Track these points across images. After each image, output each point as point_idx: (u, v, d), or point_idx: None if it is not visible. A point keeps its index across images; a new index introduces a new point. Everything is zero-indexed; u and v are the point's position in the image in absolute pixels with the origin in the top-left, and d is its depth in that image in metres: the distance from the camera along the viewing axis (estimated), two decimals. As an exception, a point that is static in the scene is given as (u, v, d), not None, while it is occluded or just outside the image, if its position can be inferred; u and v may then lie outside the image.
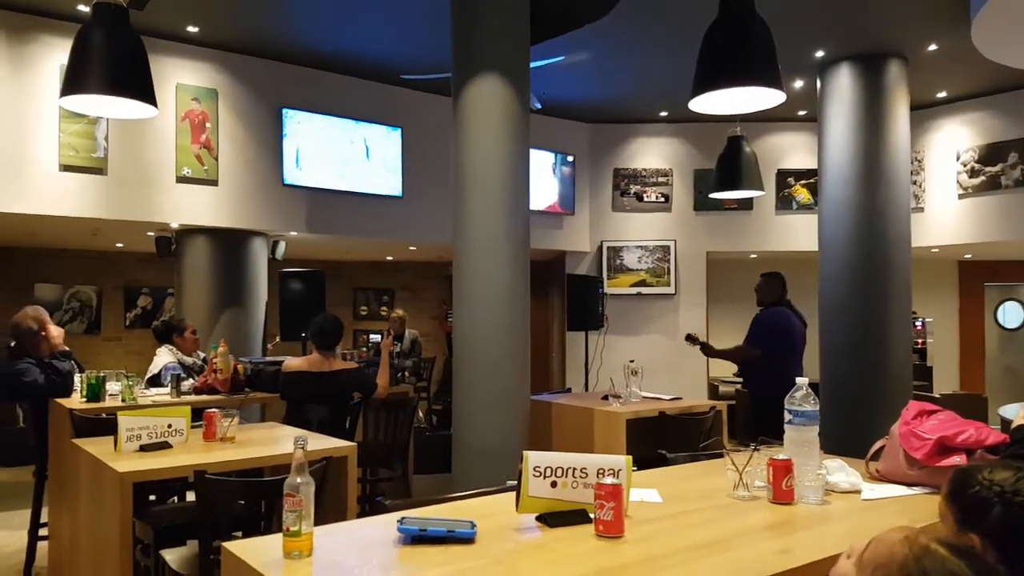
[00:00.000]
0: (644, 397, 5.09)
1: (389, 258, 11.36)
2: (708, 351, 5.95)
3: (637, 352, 6.65)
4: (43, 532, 4.58)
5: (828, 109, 7.04)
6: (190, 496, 4.17)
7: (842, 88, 6.93)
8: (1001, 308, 11.13)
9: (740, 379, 5.72)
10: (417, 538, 1.79)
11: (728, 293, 10.12)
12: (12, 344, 4.60)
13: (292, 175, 7.14)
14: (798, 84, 7.58)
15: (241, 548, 1.75)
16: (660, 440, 4.15)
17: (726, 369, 10.27)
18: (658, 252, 9.15)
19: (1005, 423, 5.34)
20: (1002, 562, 1.47)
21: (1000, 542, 1.50)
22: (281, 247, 7.93)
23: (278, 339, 7.52)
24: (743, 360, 5.83)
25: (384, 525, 1.92)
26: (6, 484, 7.33)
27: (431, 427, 8.79)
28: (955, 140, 8.40)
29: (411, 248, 9.58)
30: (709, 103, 3.85)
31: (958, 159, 8.36)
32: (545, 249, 8.84)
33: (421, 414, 8.21)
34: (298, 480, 1.69)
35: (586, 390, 7.30)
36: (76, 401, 4.43)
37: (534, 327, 5.27)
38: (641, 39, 6.62)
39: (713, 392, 9.32)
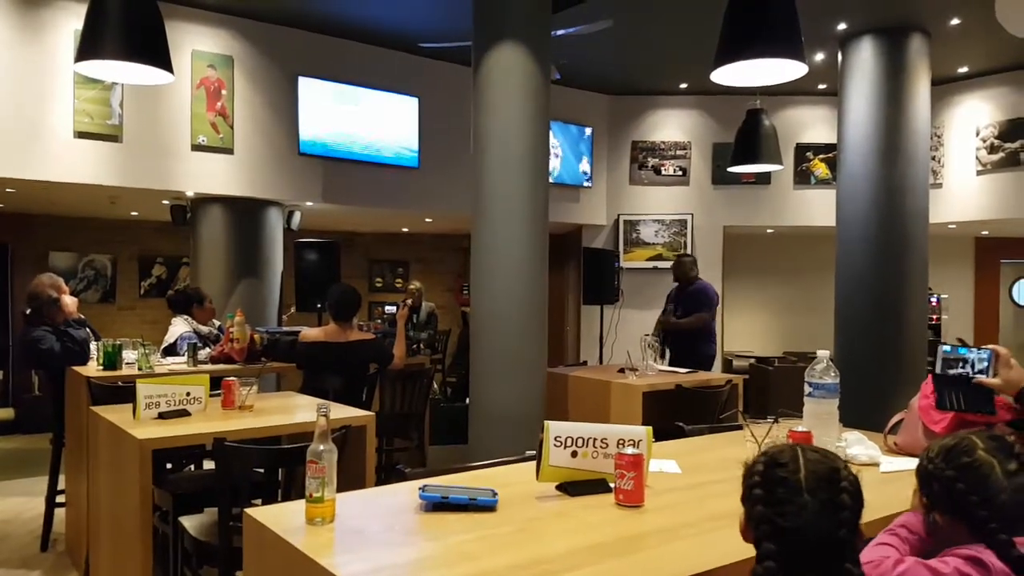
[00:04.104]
0: (660, 370, 5.10)
1: (404, 230, 11.35)
2: (669, 326, 6.42)
3: (652, 327, 6.65)
4: (60, 499, 4.64)
5: (849, 83, 6.94)
6: (206, 465, 4.21)
7: (863, 62, 6.82)
8: (1017, 285, 11.04)
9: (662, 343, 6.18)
10: (439, 505, 1.80)
11: (744, 267, 10.09)
12: (28, 312, 4.62)
13: (308, 144, 7.11)
14: (819, 57, 7.47)
15: (263, 514, 1.75)
16: (676, 413, 4.15)
17: (741, 344, 10.29)
18: (675, 226, 9.09)
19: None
20: (970, 533, 1.49)
21: (952, 514, 1.53)
22: (296, 217, 7.92)
23: (293, 309, 7.53)
24: (700, 327, 6.45)
25: (405, 492, 1.93)
26: (24, 451, 7.43)
27: (446, 399, 8.84)
28: (975, 116, 8.29)
29: (427, 220, 9.56)
30: (730, 75, 3.82)
31: (978, 135, 8.25)
32: (561, 222, 8.80)
33: (436, 386, 8.24)
34: (321, 447, 1.69)
35: (600, 364, 7.30)
36: (93, 369, 4.45)
37: (549, 301, 5.27)
38: (662, 8, 6.52)
39: (727, 366, 9.31)
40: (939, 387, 2.35)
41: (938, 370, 2.36)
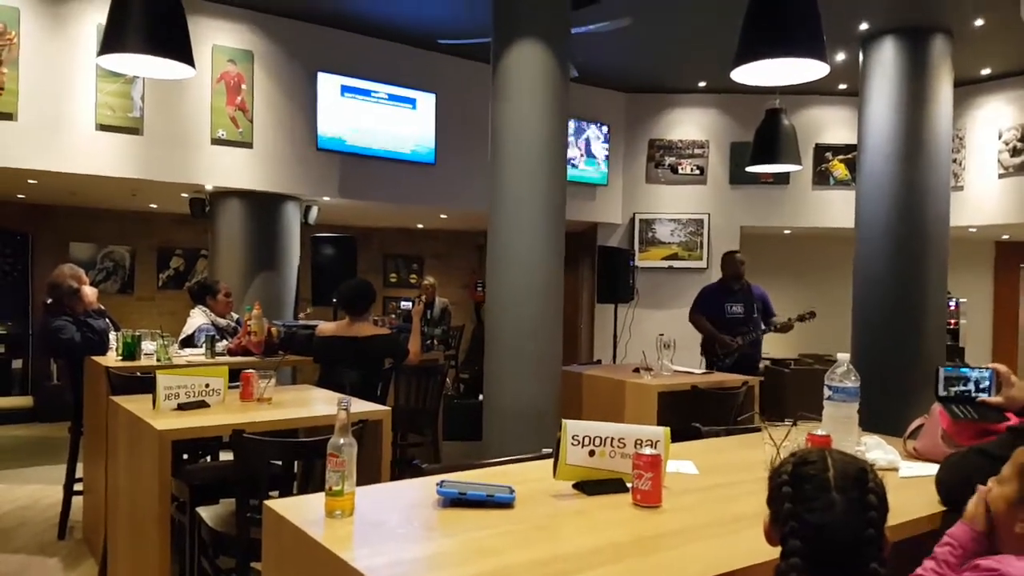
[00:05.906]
0: (675, 371, 5.08)
1: (420, 226, 11.37)
2: (790, 328, 6.47)
3: (667, 326, 6.59)
4: (78, 487, 4.68)
5: (870, 83, 6.87)
6: (223, 456, 4.25)
7: (885, 62, 6.75)
8: (1038, 291, 10.91)
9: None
10: (456, 501, 1.80)
11: (760, 268, 10.02)
12: (49, 301, 4.66)
13: (326, 140, 7.13)
14: (840, 57, 7.42)
15: (283, 506, 1.77)
16: (692, 414, 4.13)
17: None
18: (691, 225, 9.06)
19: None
20: None
21: None
22: (314, 212, 7.95)
23: (310, 309, 7.54)
24: None
25: (422, 488, 1.94)
26: (42, 439, 7.50)
27: (459, 395, 8.85)
28: (998, 118, 8.21)
29: (442, 216, 9.57)
30: (751, 74, 3.78)
31: (1000, 137, 8.18)
32: (577, 220, 8.78)
33: (449, 382, 8.25)
34: (341, 441, 1.70)
35: (614, 363, 7.29)
36: (112, 359, 4.48)
37: (563, 299, 5.26)
38: (681, 6, 6.50)
39: (742, 368, 9.26)
40: (946, 405, 2.42)
41: (941, 391, 2.43)
